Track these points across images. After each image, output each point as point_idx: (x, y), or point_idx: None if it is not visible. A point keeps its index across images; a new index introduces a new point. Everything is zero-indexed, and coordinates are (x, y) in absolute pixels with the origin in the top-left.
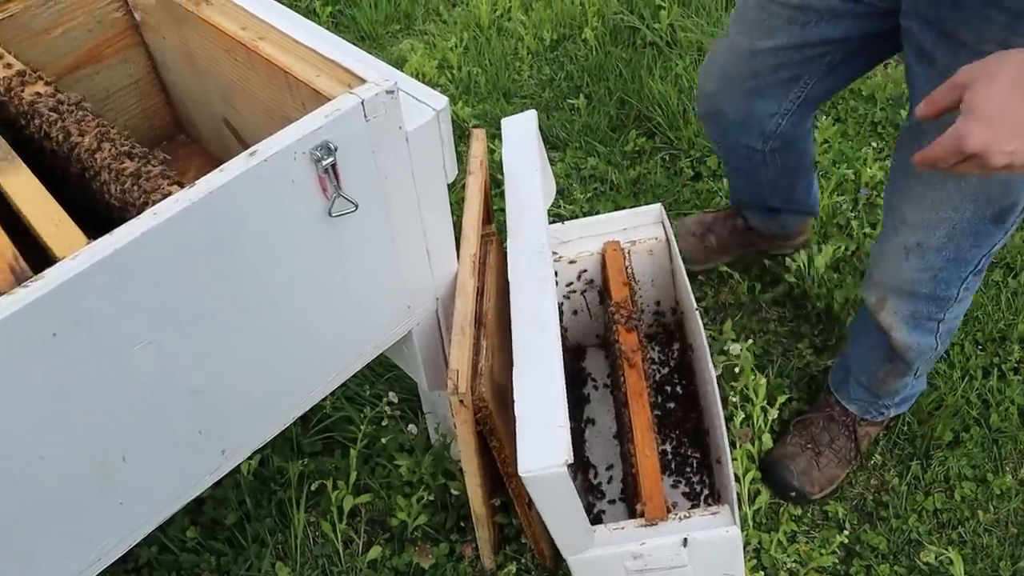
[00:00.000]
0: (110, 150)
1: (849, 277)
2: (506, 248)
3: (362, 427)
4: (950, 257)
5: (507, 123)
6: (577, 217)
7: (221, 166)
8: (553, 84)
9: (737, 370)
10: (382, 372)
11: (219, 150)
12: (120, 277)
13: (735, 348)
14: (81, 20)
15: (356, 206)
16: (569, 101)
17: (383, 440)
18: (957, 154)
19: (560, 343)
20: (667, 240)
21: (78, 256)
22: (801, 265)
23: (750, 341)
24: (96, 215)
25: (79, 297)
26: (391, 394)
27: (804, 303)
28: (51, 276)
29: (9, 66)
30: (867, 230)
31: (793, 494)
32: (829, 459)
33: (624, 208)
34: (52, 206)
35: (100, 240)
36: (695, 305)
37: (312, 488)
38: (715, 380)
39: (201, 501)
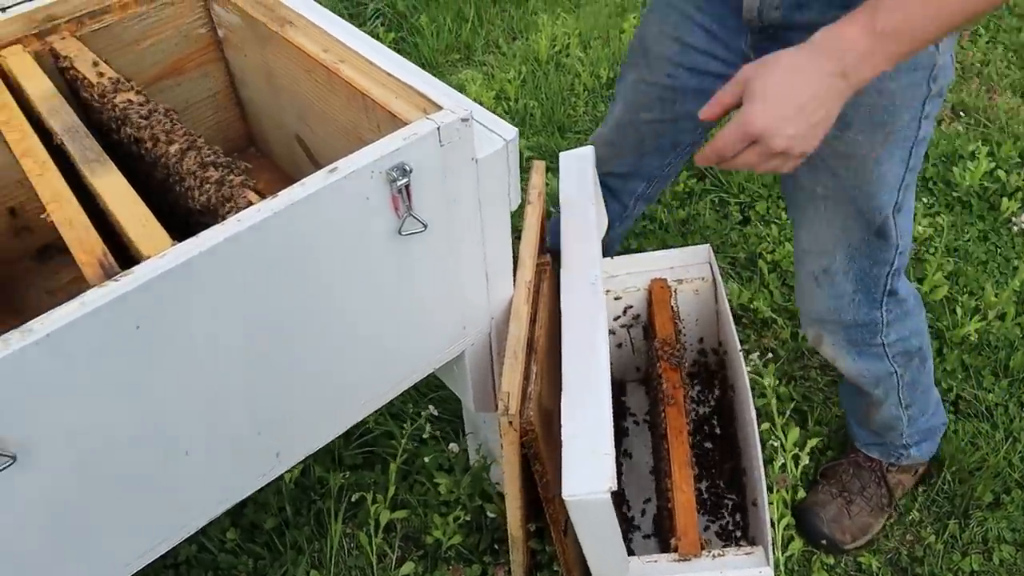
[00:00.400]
0: (196, 158)
1: None
2: (559, 278)
3: (403, 443)
4: (857, 279)
5: (565, 157)
6: (624, 253)
7: (302, 180)
8: None
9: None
10: (425, 391)
11: (289, 166)
12: (201, 278)
13: (766, 380)
14: (168, 34)
15: (425, 226)
16: None
17: (426, 459)
18: (742, 138)
19: (609, 374)
20: (714, 281)
21: (165, 255)
22: None
23: (792, 385)
24: (174, 218)
25: (163, 294)
26: (432, 410)
27: None
28: (140, 272)
29: (102, 74)
30: (915, 285)
31: (824, 542)
32: (861, 507)
33: (671, 247)
34: (140, 207)
35: (186, 242)
36: (739, 346)
37: (351, 500)
38: (755, 422)
39: (243, 504)
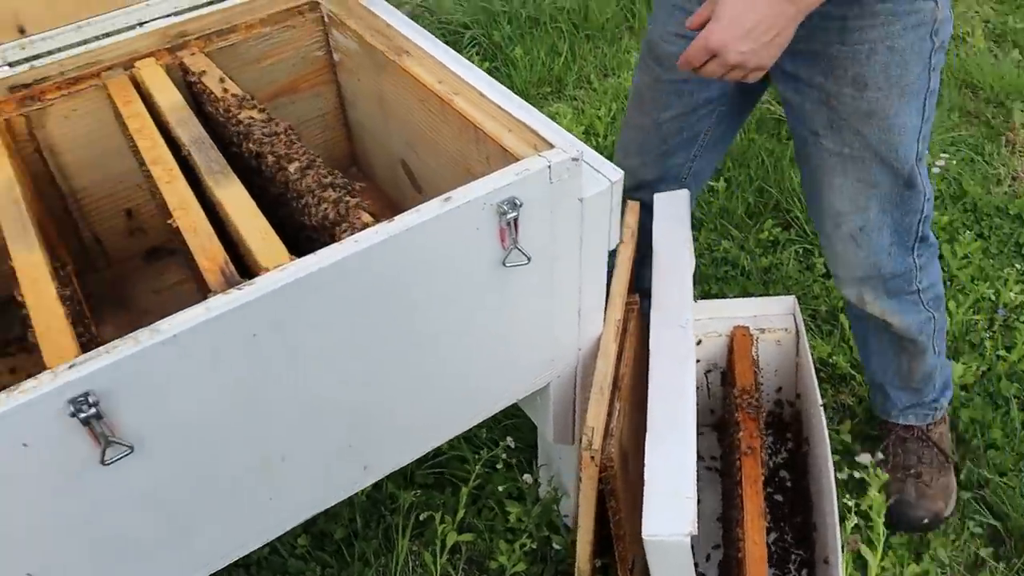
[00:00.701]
0: (314, 177)
1: (977, 397)
2: (648, 317)
3: (476, 468)
4: (892, 230)
5: (660, 198)
6: (705, 297)
7: (417, 207)
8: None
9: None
10: (501, 418)
11: (390, 188)
12: (317, 293)
13: (864, 458)
14: (287, 55)
15: (529, 259)
16: (709, 183)
17: (499, 488)
18: (704, 52)
19: (695, 418)
20: (797, 333)
21: (287, 269)
22: None
23: (879, 456)
24: (283, 230)
25: (281, 305)
26: (509, 441)
27: None
28: (261, 283)
29: (227, 90)
30: (1001, 352)
31: (927, 521)
32: (930, 473)
33: (752, 295)
34: (260, 220)
35: (306, 258)
36: (820, 401)
37: (419, 518)
38: (833, 478)
39: None
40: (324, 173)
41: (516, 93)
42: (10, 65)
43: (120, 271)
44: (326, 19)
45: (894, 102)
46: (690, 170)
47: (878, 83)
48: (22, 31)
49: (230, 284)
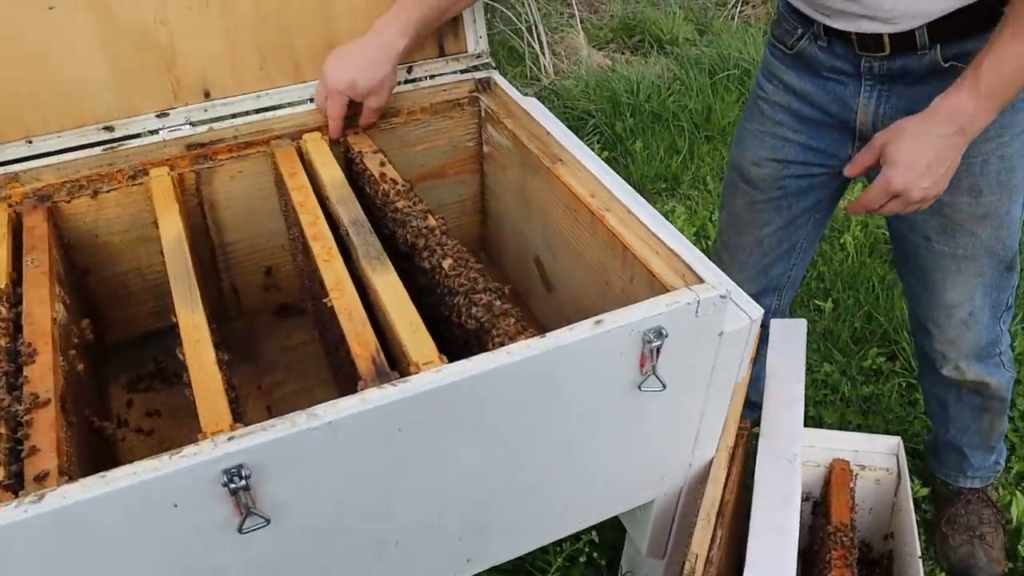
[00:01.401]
0: (467, 277)
1: None
2: (756, 444)
3: (557, 560)
4: (991, 308)
5: (777, 325)
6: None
7: (570, 326)
8: (803, 281)
9: None
10: None
11: (517, 278)
12: (463, 397)
13: None
14: (440, 143)
15: (664, 387)
16: (815, 302)
17: None
18: (885, 195)
19: (796, 557)
20: (898, 475)
21: (441, 371)
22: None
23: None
24: (425, 316)
25: (429, 405)
26: (594, 535)
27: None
28: (416, 382)
29: (384, 175)
30: None
31: None
32: (992, 534)
33: (851, 423)
34: (412, 312)
35: (460, 364)
36: (918, 553)
37: None
38: None
39: None
40: (476, 272)
41: (632, 186)
42: (191, 125)
43: (251, 322)
44: (483, 114)
45: (1005, 202)
46: (789, 278)
47: (991, 189)
48: (207, 95)
49: (379, 374)
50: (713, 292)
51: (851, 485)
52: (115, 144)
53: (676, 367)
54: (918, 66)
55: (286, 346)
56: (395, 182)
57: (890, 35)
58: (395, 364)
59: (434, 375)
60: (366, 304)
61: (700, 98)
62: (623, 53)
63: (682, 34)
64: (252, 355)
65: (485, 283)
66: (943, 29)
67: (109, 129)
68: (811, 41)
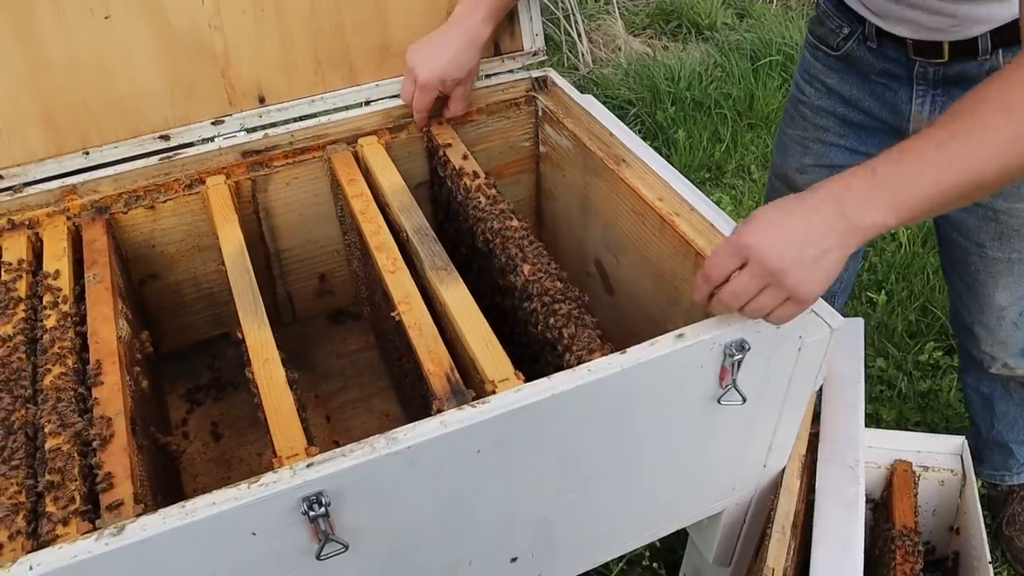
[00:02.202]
0: (547, 283)
1: None
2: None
3: (619, 566)
4: None
5: None
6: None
7: (651, 340)
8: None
9: None
10: None
11: (575, 279)
12: (543, 416)
13: None
14: (497, 143)
15: (744, 400)
16: (868, 294)
17: None
18: (732, 251)
19: (862, 568)
20: (963, 475)
21: (521, 391)
22: None
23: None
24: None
25: (508, 426)
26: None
27: None
28: (496, 403)
29: (466, 170)
30: None
31: None
32: None
33: (909, 421)
34: (484, 327)
35: (540, 383)
36: (988, 558)
37: None
38: None
39: None
40: (557, 283)
41: None
42: (247, 131)
43: (305, 328)
44: (540, 113)
45: None
46: (841, 284)
47: None
48: (262, 100)
49: (455, 393)
50: None
51: (914, 487)
52: (171, 153)
53: (755, 379)
54: (977, 72)
55: (341, 353)
56: (477, 176)
57: (950, 42)
58: (467, 379)
59: (515, 395)
60: (433, 316)
61: (742, 85)
62: (660, 39)
63: (720, 19)
64: (307, 362)
65: (566, 291)
66: (1006, 34)
67: (165, 138)
68: (860, 43)
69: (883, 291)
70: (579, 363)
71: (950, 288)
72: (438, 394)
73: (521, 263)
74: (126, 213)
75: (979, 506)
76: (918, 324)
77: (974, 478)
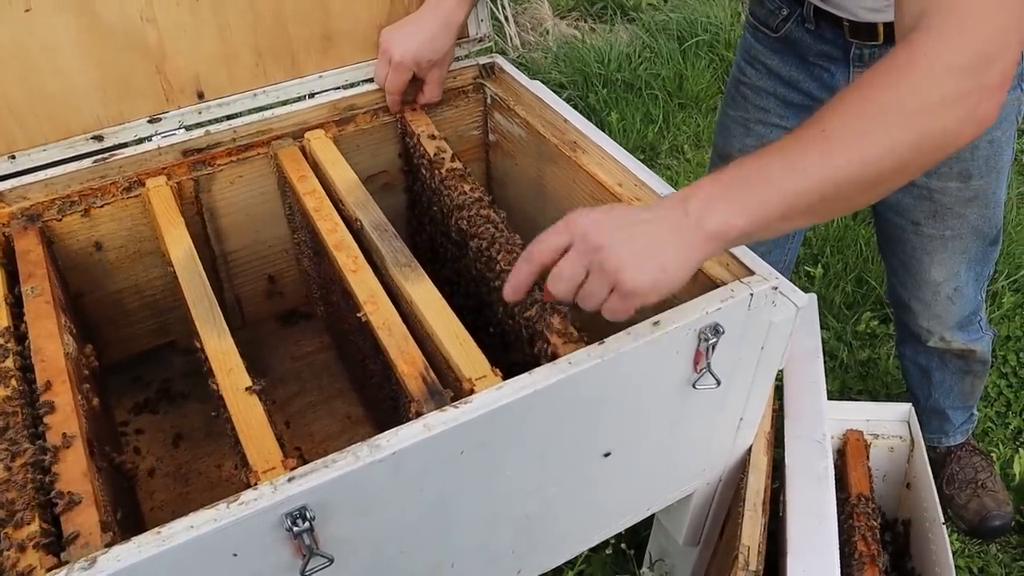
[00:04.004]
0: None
1: None
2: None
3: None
4: (975, 281)
5: None
6: None
7: (627, 330)
8: None
9: None
10: None
11: None
12: (525, 412)
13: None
14: (445, 133)
15: (718, 383)
16: (805, 268)
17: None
18: (557, 231)
19: (837, 538)
20: (911, 441)
21: (503, 388)
22: None
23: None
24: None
25: (491, 424)
26: None
27: None
28: (479, 402)
29: (442, 157)
30: None
31: (999, 524)
32: (990, 479)
33: (851, 388)
34: (456, 323)
35: (521, 379)
36: (942, 518)
37: None
38: None
39: None
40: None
41: None
42: (186, 128)
43: (255, 332)
44: (488, 101)
45: (992, 184)
46: (785, 263)
47: (981, 172)
48: (201, 96)
49: (432, 394)
50: (765, 284)
51: (867, 455)
52: (106, 154)
53: (726, 361)
54: None
55: (296, 355)
56: (452, 164)
57: (885, 23)
58: (441, 378)
59: (497, 393)
60: (400, 314)
61: (671, 65)
62: (587, 21)
63: (645, 0)
64: (261, 367)
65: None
66: None
67: (98, 139)
68: (798, 24)
69: (819, 264)
70: (554, 355)
71: (886, 265)
72: (415, 396)
73: (496, 253)
74: (60, 220)
75: (929, 469)
76: (854, 295)
77: (923, 443)
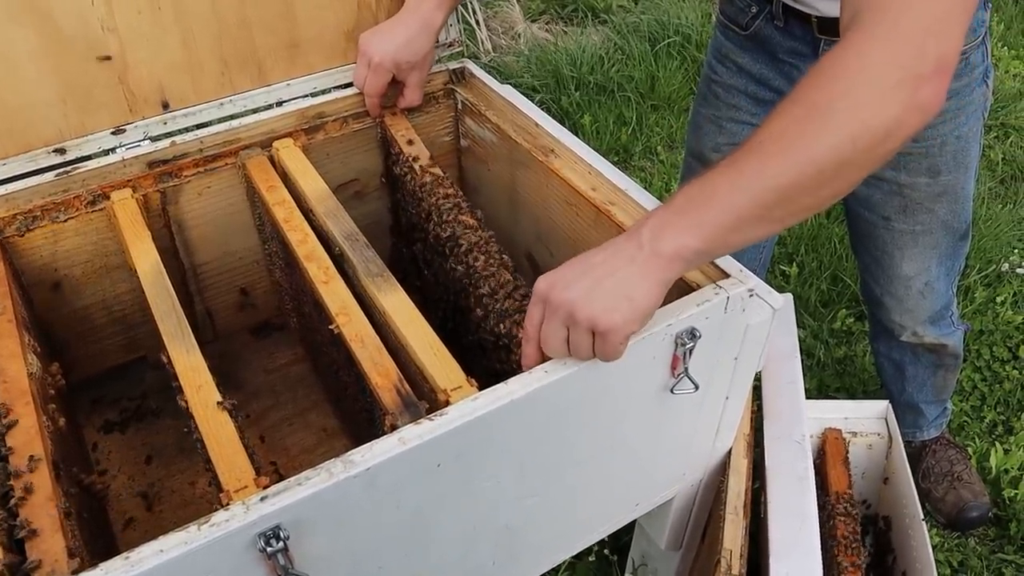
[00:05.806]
0: (501, 280)
1: None
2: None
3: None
4: (946, 275)
5: None
6: None
7: None
8: None
9: None
10: None
11: None
12: (502, 423)
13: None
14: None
15: (696, 387)
16: (780, 267)
17: None
18: (533, 301)
19: (819, 543)
20: (889, 438)
21: (479, 399)
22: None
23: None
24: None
25: (467, 436)
26: None
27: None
28: (455, 414)
29: (420, 162)
30: None
31: (991, 515)
32: (966, 471)
33: (829, 386)
34: (430, 333)
35: (497, 389)
36: (921, 515)
37: None
38: None
39: None
40: (509, 279)
41: None
42: (151, 139)
43: (228, 345)
44: (459, 106)
45: (961, 179)
46: (760, 261)
47: (949, 168)
48: (166, 106)
49: (407, 406)
50: (741, 287)
51: (846, 453)
52: (69, 168)
53: (704, 365)
54: None
55: (269, 368)
56: (433, 171)
57: None
58: (416, 389)
59: (472, 404)
60: (373, 325)
61: (643, 67)
62: (558, 24)
63: (616, 1)
64: (235, 381)
65: (516, 284)
66: None
67: (60, 152)
68: (767, 21)
69: (794, 263)
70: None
71: (859, 262)
72: (389, 408)
73: (474, 258)
74: (23, 236)
75: (907, 465)
76: (829, 293)
77: (900, 439)
